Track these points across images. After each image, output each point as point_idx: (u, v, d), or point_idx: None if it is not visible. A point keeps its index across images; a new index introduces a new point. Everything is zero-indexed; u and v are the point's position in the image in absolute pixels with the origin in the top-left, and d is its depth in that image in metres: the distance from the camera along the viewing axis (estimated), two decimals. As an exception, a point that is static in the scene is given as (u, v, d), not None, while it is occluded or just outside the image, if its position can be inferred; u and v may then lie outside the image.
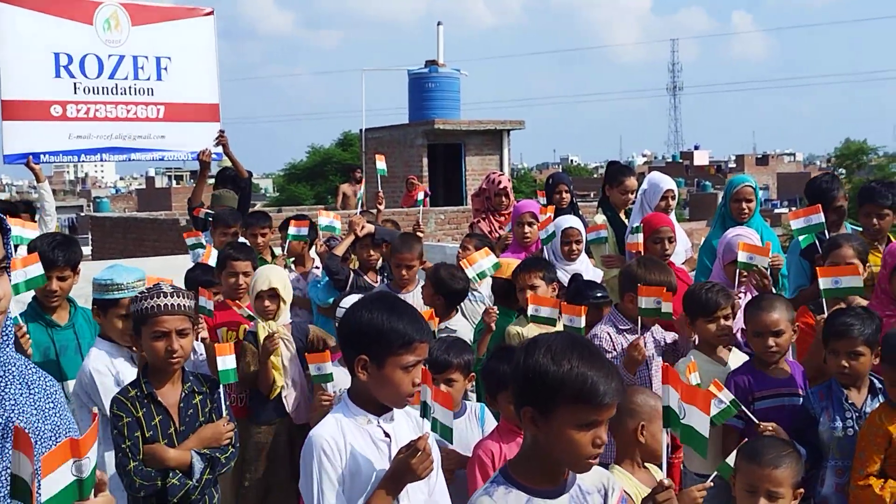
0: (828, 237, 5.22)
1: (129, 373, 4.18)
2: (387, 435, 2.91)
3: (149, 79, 8.64)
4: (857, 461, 3.82)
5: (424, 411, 2.96)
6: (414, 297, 5.56)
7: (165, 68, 8.73)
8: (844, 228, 5.87)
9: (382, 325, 2.80)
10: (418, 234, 6.74)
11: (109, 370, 4.23)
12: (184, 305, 3.76)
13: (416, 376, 2.85)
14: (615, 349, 4.71)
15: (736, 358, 4.59)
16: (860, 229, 5.73)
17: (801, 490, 3.27)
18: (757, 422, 3.95)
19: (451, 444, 3.11)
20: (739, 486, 3.27)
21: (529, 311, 4.88)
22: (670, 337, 4.91)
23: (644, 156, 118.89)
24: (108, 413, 4.02)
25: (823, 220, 5.28)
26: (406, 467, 2.77)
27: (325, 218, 7.00)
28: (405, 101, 20.62)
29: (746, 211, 6.01)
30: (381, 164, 7.83)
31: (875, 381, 4.07)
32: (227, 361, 4.13)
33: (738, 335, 4.87)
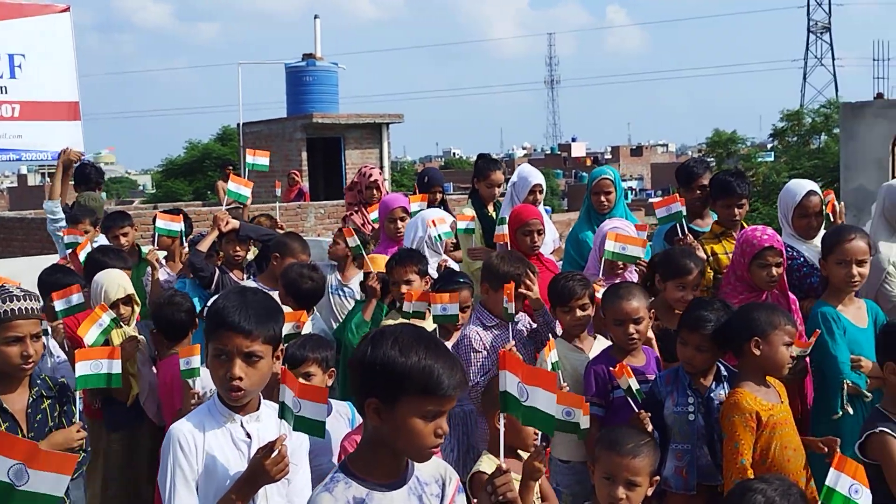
0: (682, 231, 5.50)
1: None
2: (249, 435, 2.88)
3: (2, 77, 8.30)
4: (732, 454, 3.74)
5: (283, 413, 2.90)
6: None
7: (20, 66, 8.41)
8: (710, 215, 6.06)
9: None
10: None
11: None
12: (35, 309, 3.63)
13: (230, 368, 2.85)
14: (485, 348, 4.64)
15: (600, 345, 4.66)
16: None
17: (657, 477, 3.35)
18: (638, 410, 3.94)
19: (323, 438, 3.08)
20: (598, 475, 3.30)
21: (405, 308, 4.86)
22: (534, 323, 4.93)
23: (524, 148, 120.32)
24: None
25: (682, 208, 5.58)
26: (260, 469, 2.75)
27: (163, 220, 6.54)
28: (283, 95, 20.42)
29: (606, 203, 6.17)
30: (251, 158, 7.19)
31: (721, 367, 4.16)
32: (103, 366, 3.96)
33: None
